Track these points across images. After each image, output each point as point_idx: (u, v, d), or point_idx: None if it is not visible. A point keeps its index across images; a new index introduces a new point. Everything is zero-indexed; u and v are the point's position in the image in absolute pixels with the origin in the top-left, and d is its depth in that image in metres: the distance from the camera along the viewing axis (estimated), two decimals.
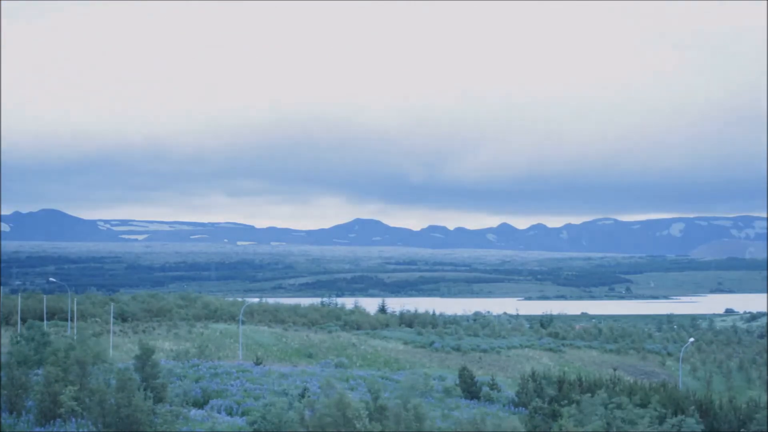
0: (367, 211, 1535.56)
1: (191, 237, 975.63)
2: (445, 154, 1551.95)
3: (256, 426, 32.10)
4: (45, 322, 74.38)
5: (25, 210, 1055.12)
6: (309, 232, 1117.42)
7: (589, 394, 32.47)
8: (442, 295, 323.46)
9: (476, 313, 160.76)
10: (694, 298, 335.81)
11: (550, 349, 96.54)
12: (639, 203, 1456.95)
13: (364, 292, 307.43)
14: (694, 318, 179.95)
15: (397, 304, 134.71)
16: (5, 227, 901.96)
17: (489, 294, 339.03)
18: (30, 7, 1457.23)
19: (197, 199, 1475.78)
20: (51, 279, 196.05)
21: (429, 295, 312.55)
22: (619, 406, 30.84)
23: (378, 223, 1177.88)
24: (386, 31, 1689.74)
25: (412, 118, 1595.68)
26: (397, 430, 26.61)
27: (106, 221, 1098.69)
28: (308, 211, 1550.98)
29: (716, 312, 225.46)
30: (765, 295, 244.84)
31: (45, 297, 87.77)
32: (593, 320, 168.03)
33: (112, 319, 78.93)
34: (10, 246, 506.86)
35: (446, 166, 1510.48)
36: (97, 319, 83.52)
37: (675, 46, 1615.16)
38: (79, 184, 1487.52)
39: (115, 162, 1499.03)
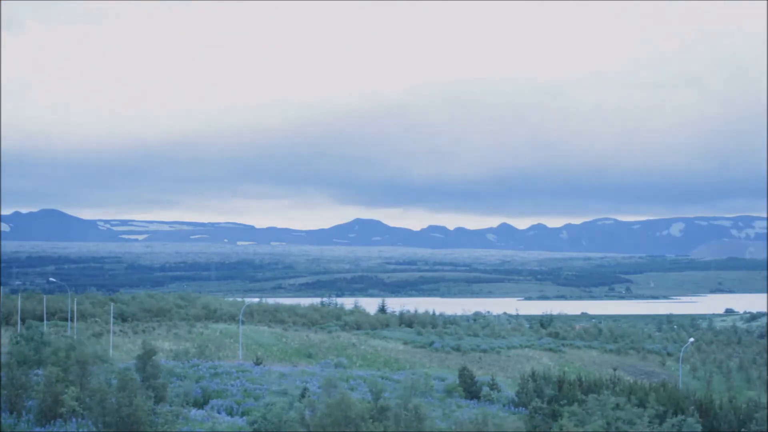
0: (367, 211, 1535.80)
1: (191, 237, 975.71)
2: (444, 154, 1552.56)
3: (256, 426, 32.11)
4: (45, 322, 74.40)
5: (25, 210, 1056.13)
6: (309, 232, 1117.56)
7: (594, 395, 32.45)
8: (442, 295, 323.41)
9: (476, 313, 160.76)
10: (694, 298, 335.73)
11: (550, 349, 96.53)
12: (639, 203, 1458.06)
13: (364, 292, 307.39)
14: (694, 318, 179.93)
15: (397, 304, 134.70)
16: (5, 227, 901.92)
17: (489, 294, 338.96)
18: (29, 7, 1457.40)
19: (197, 199, 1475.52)
20: (51, 279, 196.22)
21: (429, 295, 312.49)
22: (618, 406, 30.84)
23: (378, 223, 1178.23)
24: (384, 28, 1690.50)
25: (411, 117, 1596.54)
26: (397, 430, 26.62)
27: (106, 221, 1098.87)
28: (308, 211, 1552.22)
29: (716, 312, 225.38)
30: (765, 295, 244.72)
31: (45, 297, 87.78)
32: (593, 320, 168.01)
33: (112, 319, 78.93)
34: (10, 246, 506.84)
35: (446, 166, 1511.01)
36: (97, 319, 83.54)
37: (675, 46, 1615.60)
38: (79, 184, 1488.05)
39: (115, 162, 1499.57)
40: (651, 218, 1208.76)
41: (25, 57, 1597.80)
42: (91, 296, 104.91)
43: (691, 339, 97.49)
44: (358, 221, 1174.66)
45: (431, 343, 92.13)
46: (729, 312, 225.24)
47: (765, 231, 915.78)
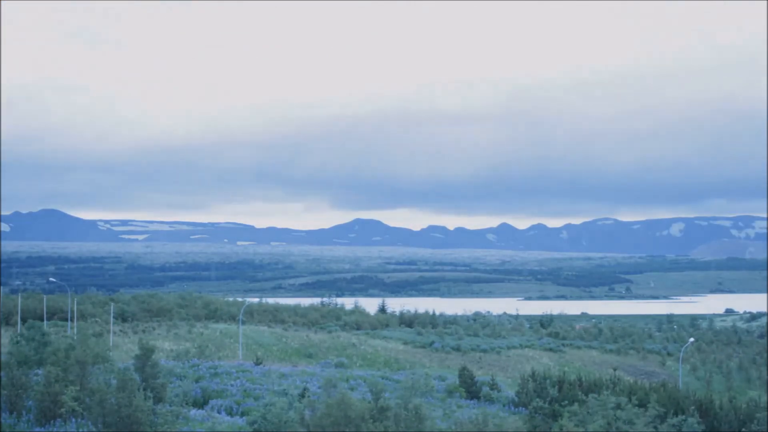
0: (367, 211, 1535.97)
1: (191, 237, 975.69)
2: (444, 153, 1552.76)
3: (256, 426, 32.10)
4: (45, 322, 74.38)
5: (25, 210, 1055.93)
6: (309, 232, 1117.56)
7: (594, 395, 32.43)
8: (442, 295, 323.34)
9: (476, 313, 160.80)
10: (694, 298, 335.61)
11: (550, 349, 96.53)
12: (639, 203, 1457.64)
13: (364, 292, 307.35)
14: (694, 318, 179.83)
15: (397, 304, 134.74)
16: (5, 227, 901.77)
17: (489, 294, 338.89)
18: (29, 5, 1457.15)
19: (197, 199, 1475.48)
20: (51, 279, 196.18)
21: (429, 295, 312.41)
22: (619, 407, 30.82)
23: (378, 223, 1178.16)
24: (384, 28, 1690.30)
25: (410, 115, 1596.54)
26: (397, 430, 26.60)
27: (106, 221, 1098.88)
28: (308, 212, 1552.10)
29: (716, 312, 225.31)
30: (765, 295, 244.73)
31: (45, 297, 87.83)
32: (593, 320, 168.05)
33: (112, 319, 78.95)
34: (10, 246, 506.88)
35: (446, 166, 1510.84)
36: (97, 319, 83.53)
37: (675, 46, 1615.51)
38: (79, 184, 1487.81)
39: (115, 161, 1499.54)
40: (651, 218, 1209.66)
41: (24, 56, 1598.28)
42: (91, 296, 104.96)
43: (691, 339, 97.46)
44: (358, 221, 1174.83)
45: (431, 343, 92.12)
46: (729, 312, 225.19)
47: (765, 231, 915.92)
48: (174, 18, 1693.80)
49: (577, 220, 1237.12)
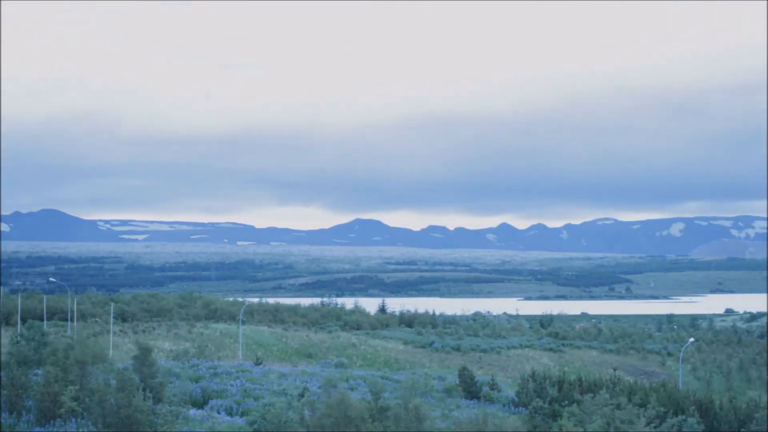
0: (367, 211, 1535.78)
1: (191, 237, 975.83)
2: (445, 153, 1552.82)
3: (256, 426, 32.10)
4: (45, 322, 74.36)
5: (25, 210, 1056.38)
6: (309, 232, 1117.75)
7: (591, 395, 32.45)
8: (442, 295, 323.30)
9: (476, 313, 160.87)
10: (694, 298, 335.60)
11: (550, 349, 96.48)
12: (639, 203, 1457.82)
13: (364, 292, 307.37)
14: (694, 318, 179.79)
15: (397, 304, 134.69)
16: (5, 227, 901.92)
17: (489, 294, 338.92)
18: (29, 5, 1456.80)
19: (197, 199, 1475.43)
20: (51, 279, 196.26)
21: (429, 295, 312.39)
22: (618, 407, 30.82)
23: (378, 223, 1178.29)
24: (387, 29, 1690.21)
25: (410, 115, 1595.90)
26: (397, 430, 26.60)
27: (106, 221, 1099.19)
28: (308, 211, 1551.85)
29: (716, 312, 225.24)
30: (765, 295, 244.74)
31: (45, 297, 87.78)
32: (593, 320, 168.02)
33: (112, 319, 78.90)
34: (10, 246, 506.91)
35: (447, 166, 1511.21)
36: (97, 319, 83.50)
37: (675, 46, 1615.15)
38: (79, 184, 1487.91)
39: (115, 161, 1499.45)
40: (651, 218, 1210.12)
41: (24, 56, 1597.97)
42: (91, 296, 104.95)
43: (691, 339, 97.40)
44: (358, 221, 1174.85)
45: (431, 343, 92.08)
46: (729, 312, 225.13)
47: (765, 231, 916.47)
48: (173, 17, 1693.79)
49: (577, 220, 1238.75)
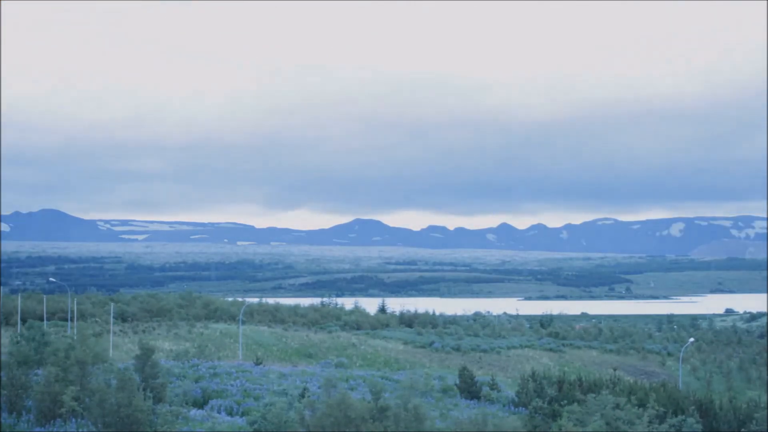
0: (367, 211, 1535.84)
1: (191, 237, 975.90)
2: (445, 153, 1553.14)
3: (256, 426, 32.11)
4: (45, 322, 74.36)
5: (25, 210, 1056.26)
6: (309, 232, 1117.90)
7: (592, 395, 32.45)
8: (442, 295, 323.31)
9: (476, 313, 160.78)
10: (694, 298, 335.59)
11: (550, 349, 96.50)
12: (639, 203, 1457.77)
13: (364, 292, 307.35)
14: (694, 318, 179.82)
15: (397, 304, 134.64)
16: (5, 227, 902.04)
17: (489, 294, 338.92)
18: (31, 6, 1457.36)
19: (197, 199, 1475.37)
20: (51, 279, 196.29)
21: (429, 295, 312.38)
22: (618, 406, 30.83)
23: (378, 223, 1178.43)
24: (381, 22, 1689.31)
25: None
26: (397, 430, 26.60)
27: (106, 221, 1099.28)
28: (308, 211, 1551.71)
29: (716, 312, 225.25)
30: (765, 295, 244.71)
31: (45, 297, 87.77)
32: (593, 320, 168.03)
33: (112, 319, 78.90)
34: (10, 246, 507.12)
35: (446, 166, 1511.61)
36: (97, 319, 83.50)
37: (675, 46, 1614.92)
38: (79, 184, 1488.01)
39: (114, 161, 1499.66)
40: (651, 218, 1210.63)
41: (25, 56, 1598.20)
42: (91, 296, 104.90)
43: (691, 339, 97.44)
44: (358, 221, 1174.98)
45: (431, 343, 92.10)
46: (729, 312, 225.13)
47: (765, 231, 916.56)
48: (173, 17, 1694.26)
49: (577, 220, 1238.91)
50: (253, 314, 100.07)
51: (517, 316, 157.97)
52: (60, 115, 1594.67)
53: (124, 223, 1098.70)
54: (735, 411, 40.25)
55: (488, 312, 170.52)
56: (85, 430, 30.63)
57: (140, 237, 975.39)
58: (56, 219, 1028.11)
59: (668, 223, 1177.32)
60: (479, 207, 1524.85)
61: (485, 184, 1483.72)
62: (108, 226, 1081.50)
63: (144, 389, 31.04)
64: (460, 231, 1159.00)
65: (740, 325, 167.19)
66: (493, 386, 53.69)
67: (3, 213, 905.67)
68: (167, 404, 33.23)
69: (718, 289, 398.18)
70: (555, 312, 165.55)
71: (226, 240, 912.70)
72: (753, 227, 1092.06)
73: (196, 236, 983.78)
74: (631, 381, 54.67)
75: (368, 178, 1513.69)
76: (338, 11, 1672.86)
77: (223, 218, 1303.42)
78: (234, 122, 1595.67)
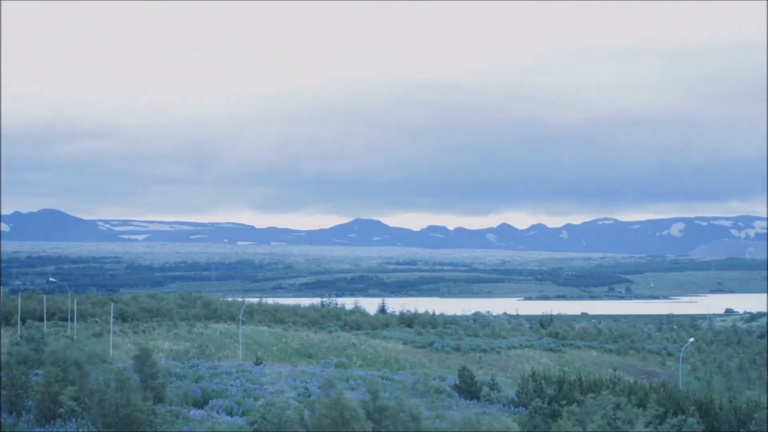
0: (367, 211, 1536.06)
1: (191, 237, 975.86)
2: (444, 153, 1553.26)
3: (256, 426, 32.12)
4: (45, 322, 74.39)
5: (25, 210, 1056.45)
6: (309, 232, 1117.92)
7: (593, 395, 32.47)
8: (442, 295, 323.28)
9: (476, 313, 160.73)
10: (694, 298, 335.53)
11: (550, 349, 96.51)
12: (639, 203, 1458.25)
13: (364, 292, 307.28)
14: (694, 318, 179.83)
15: (397, 304, 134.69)
16: (5, 227, 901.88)
17: (489, 294, 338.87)
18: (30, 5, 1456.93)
19: (197, 199, 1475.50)
20: (51, 279, 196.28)
21: (429, 295, 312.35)
22: (618, 406, 30.85)
23: (378, 223, 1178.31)
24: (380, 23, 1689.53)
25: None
26: (395, 430, 26.59)
27: (106, 221, 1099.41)
28: (308, 211, 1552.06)
29: (716, 312, 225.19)
30: (765, 295, 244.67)
31: (45, 297, 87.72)
32: (593, 320, 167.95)
33: (112, 319, 78.89)
34: (10, 246, 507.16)
35: (446, 166, 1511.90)
36: (97, 319, 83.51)
37: (675, 46, 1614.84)
38: (79, 184, 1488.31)
39: (115, 161, 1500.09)
40: (651, 218, 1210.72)
41: (24, 56, 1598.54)
42: (91, 296, 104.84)
43: (691, 339, 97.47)
44: (358, 221, 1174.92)
45: (431, 343, 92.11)
46: (729, 312, 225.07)
47: (765, 231, 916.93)
48: (172, 16, 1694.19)
49: (577, 220, 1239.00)
50: (253, 314, 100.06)
51: (517, 316, 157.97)
52: (60, 115, 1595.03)
53: (124, 223, 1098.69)
54: (735, 411, 40.27)
55: (488, 312, 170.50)
56: (84, 430, 30.64)
57: (140, 237, 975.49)
58: (56, 219, 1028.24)
59: (668, 223, 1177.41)
60: (479, 207, 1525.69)
61: (485, 184, 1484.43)
62: (108, 226, 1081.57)
63: (143, 389, 31.04)
64: (460, 231, 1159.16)
65: (740, 325, 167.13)
66: (493, 386, 53.68)
67: (3, 213, 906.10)
68: (167, 404, 33.23)
69: (718, 289, 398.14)
70: (555, 312, 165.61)
71: (226, 240, 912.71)
72: (753, 227, 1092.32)
73: (196, 236, 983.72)
74: (631, 381, 54.69)
75: (368, 178, 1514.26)
76: (339, 11, 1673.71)
77: (223, 218, 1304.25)
78: (234, 122, 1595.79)
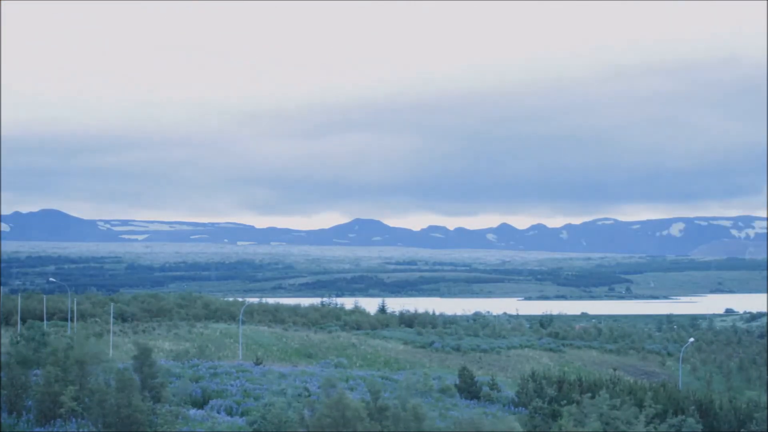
0: (367, 211, 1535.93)
1: (191, 237, 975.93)
2: (444, 153, 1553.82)
3: (256, 426, 32.11)
4: (45, 322, 74.39)
5: (25, 210, 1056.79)
6: (309, 232, 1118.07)
7: (590, 395, 32.46)
8: (442, 295, 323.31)
9: (476, 313, 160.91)
10: (694, 298, 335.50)
11: (550, 349, 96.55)
12: (639, 203, 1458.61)
13: (364, 292, 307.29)
14: (694, 318, 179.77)
15: (397, 304, 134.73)
16: (5, 227, 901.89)
17: (489, 294, 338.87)
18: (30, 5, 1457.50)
19: (197, 199, 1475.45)
20: (51, 279, 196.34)
21: (429, 295, 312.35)
22: (615, 407, 30.84)
23: (378, 223, 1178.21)
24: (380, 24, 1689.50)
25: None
26: (396, 430, 26.60)
27: (106, 221, 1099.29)
28: (308, 212, 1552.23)
29: (716, 312, 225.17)
30: (765, 295, 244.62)
31: (45, 297, 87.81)
32: (593, 320, 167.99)
33: (112, 319, 78.92)
34: (10, 246, 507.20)
35: (446, 166, 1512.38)
36: (97, 319, 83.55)
37: (675, 46, 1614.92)
38: (79, 184, 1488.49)
39: (115, 161, 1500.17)
40: (651, 218, 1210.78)
41: (25, 56, 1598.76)
42: (91, 296, 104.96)
43: (691, 339, 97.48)
44: (358, 221, 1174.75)
45: (431, 343, 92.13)
46: (729, 312, 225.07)
47: (765, 231, 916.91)
48: (172, 15, 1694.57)
49: (577, 220, 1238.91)
50: (253, 314, 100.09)
51: (517, 316, 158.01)
52: (60, 115, 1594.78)
53: (124, 223, 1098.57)
54: (735, 411, 40.28)
55: (488, 312, 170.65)
56: (85, 430, 30.63)
57: (140, 237, 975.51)
58: (56, 219, 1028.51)
59: (668, 223, 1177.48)
60: (479, 207, 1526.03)
61: (485, 184, 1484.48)
62: (108, 226, 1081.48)
63: (143, 389, 31.03)
64: (460, 231, 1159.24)
65: (740, 325, 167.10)
66: (493, 386, 53.67)
67: (3, 213, 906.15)
68: (167, 404, 33.21)
69: (718, 289, 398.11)
70: (555, 312, 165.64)
71: (226, 240, 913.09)
72: (753, 227, 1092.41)
73: (196, 236, 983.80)
74: (631, 381, 54.68)
75: (368, 178, 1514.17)
76: (338, 12, 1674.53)
77: (223, 218, 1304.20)
78: (234, 122, 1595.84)
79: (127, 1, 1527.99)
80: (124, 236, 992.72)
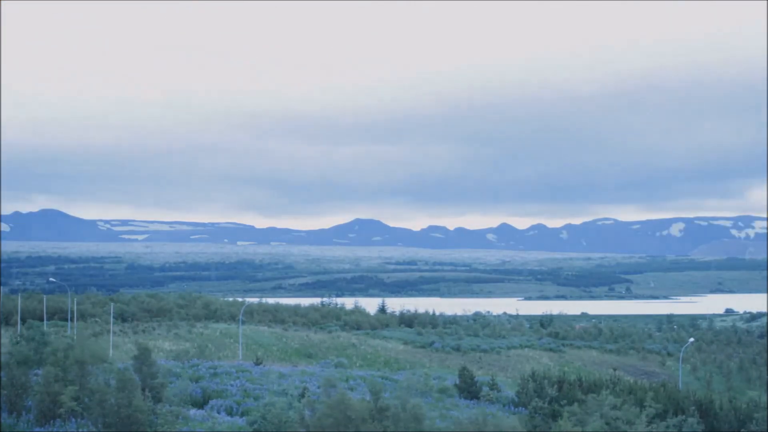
0: (367, 211, 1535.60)
1: (191, 237, 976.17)
2: (444, 153, 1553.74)
3: (256, 426, 32.10)
4: (45, 322, 74.40)
5: (25, 210, 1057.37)
6: (309, 232, 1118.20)
7: (593, 395, 32.46)
8: (442, 295, 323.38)
9: (476, 313, 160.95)
10: (694, 298, 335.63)
11: (550, 349, 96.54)
12: (639, 203, 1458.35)
13: (364, 292, 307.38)
14: (694, 318, 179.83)
15: (397, 304, 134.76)
16: (5, 227, 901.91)
17: (489, 294, 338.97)
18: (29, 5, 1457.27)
19: (197, 199, 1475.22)
20: (51, 279, 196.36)
21: (429, 295, 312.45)
22: (616, 407, 30.84)
23: (378, 223, 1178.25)
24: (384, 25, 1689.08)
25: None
26: (396, 430, 26.59)
27: (106, 221, 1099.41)
28: (308, 212, 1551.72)
29: (716, 312, 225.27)
30: (765, 295, 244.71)
31: (45, 297, 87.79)
32: (593, 320, 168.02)
33: (112, 319, 78.90)
34: (10, 246, 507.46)
35: (446, 166, 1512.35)
36: (97, 319, 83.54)
37: (675, 46, 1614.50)
38: (79, 184, 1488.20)
39: (115, 162, 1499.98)
40: (651, 218, 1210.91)
41: (25, 56, 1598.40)
42: (91, 296, 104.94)
43: (691, 339, 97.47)
44: (358, 221, 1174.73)
45: (431, 343, 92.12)
46: (729, 312, 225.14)
47: (765, 231, 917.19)
48: (172, 15, 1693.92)
49: (577, 220, 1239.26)
50: (253, 314, 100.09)
51: (517, 316, 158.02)
52: (60, 114, 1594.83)
53: (124, 223, 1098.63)
54: (735, 411, 40.26)
55: (488, 312, 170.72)
56: (85, 430, 30.62)
57: (140, 237, 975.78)
58: (56, 219, 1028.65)
59: (668, 223, 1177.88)
60: (479, 207, 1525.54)
61: (485, 184, 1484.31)
62: (108, 226, 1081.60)
63: (143, 389, 31.02)
64: (460, 231, 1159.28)
65: (740, 325, 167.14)
66: (493, 386, 53.63)
67: (3, 213, 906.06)
68: (167, 404, 33.19)
69: (718, 289, 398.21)
70: (555, 312, 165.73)
71: (226, 240, 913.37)
72: (753, 227, 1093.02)
73: (196, 236, 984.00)
74: (631, 381, 54.66)
75: (368, 178, 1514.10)
76: (338, 12, 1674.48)
77: (223, 218, 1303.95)
78: (234, 122, 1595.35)
79: (127, 1, 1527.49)
80: (124, 236, 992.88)
